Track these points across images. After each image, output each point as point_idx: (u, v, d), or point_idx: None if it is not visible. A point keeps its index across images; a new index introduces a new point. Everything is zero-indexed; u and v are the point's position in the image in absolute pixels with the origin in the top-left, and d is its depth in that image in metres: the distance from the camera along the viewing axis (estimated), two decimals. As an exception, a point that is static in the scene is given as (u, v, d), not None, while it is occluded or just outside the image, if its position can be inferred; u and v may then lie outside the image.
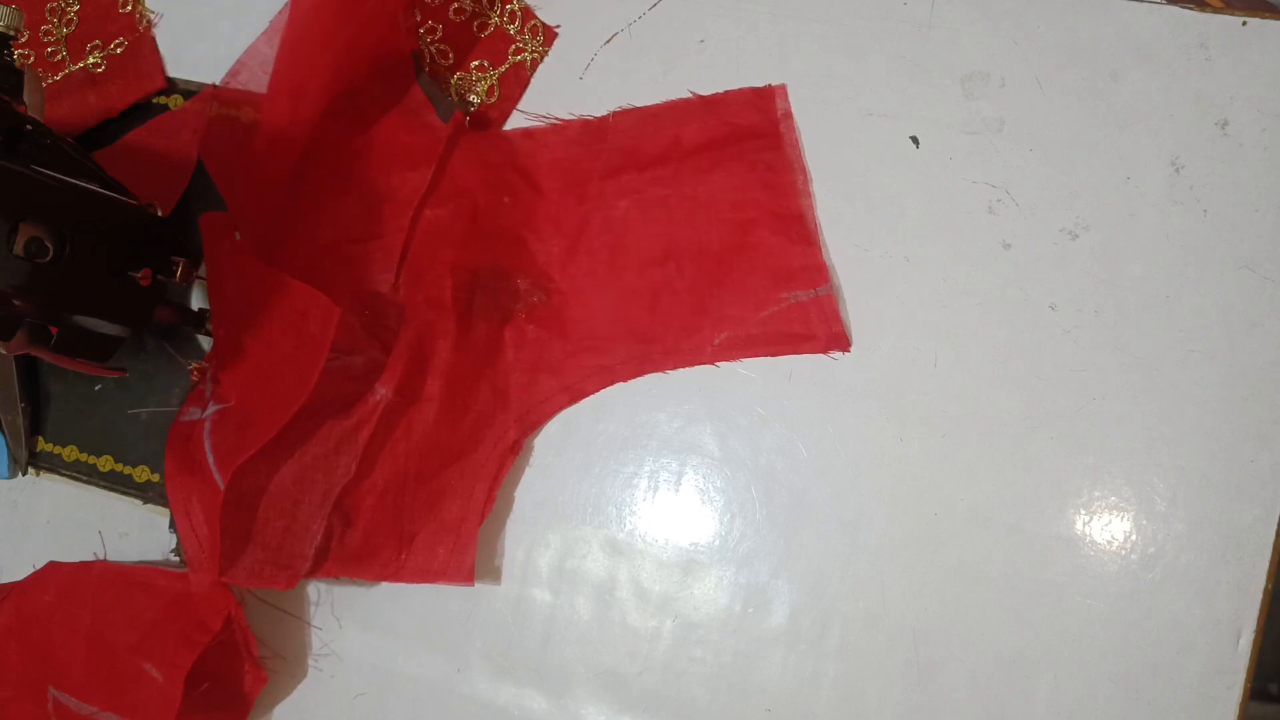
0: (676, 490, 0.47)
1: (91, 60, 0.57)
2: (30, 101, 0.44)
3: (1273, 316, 0.42)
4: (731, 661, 0.45)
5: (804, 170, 0.46)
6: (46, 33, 0.58)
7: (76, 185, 0.41)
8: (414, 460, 0.46)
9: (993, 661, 0.42)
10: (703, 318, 0.46)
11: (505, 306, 0.48)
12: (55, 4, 0.58)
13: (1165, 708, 0.41)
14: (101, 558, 0.52)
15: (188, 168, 0.53)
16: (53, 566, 0.50)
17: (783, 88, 0.47)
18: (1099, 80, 0.45)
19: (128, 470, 0.53)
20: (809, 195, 0.46)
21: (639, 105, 0.48)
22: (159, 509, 0.52)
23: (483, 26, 0.50)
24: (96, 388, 0.54)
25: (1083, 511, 0.43)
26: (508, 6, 0.50)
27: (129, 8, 0.57)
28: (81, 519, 0.54)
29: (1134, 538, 0.42)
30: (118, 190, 0.44)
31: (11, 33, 0.42)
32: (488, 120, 0.50)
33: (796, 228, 0.45)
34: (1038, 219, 0.45)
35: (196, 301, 0.53)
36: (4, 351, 0.46)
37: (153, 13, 0.57)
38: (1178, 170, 0.44)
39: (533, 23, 0.49)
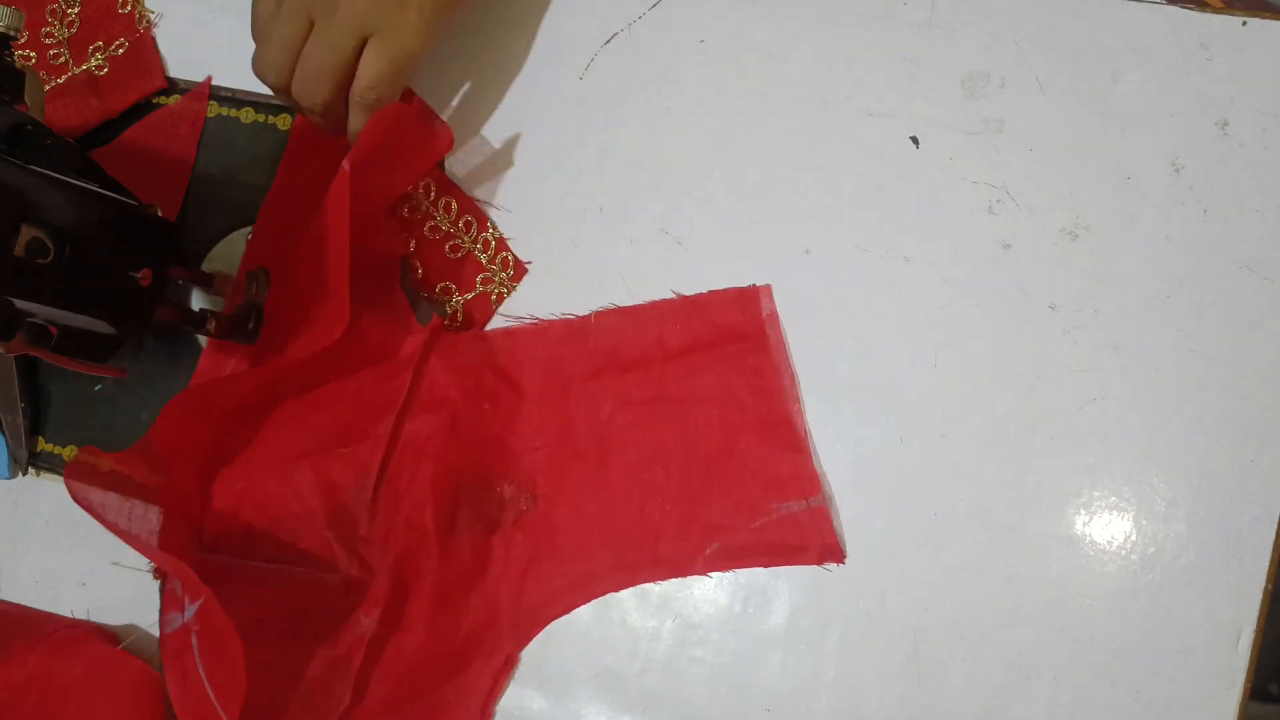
0: (676, 490, 0.47)
1: (94, 62, 0.57)
2: (30, 102, 0.44)
3: (1273, 316, 0.42)
4: (731, 661, 0.45)
5: (791, 374, 0.45)
6: (48, 34, 0.58)
7: (77, 185, 0.41)
8: (406, 683, 0.45)
9: (993, 661, 0.42)
10: (693, 525, 0.45)
11: (491, 516, 0.47)
12: (56, 5, 0.58)
13: (1165, 708, 0.41)
14: (108, 560, 0.53)
15: (186, 166, 0.54)
16: (90, 633, 0.49)
17: (767, 288, 0.46)
18: (1099, 80, 0.45)
19: (128, 470, 0.53)
20: (797, 400, 0.45)
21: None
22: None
23: (455, 249, 0.50)
24: (96, 388, 0.54)
25: (1083, 511, 0.43)
26: (483, 234, 0.49)
27: (129, 8, 0.57)
28: (81, 519, 0.54)
29: (1134, 538, 0.42)
30: (118, 190, 0.44)
31: (12, 33, 0.42)
32: (471, 320, 0.49)
33: (785, 434, 0.45)
34: (1038, 219, 0.45)
35: (197, 302, 0.53)
36: (4, 351, 0.46)
37: (152, 12, 0.57)
38: (1178, 170, 0.44)
39: (505, 254, 0.49)
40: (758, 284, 0.46)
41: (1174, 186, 0.43)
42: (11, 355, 0.53)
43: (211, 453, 0.47)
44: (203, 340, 0.52)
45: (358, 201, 0.43)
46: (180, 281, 0.49)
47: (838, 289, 0.46)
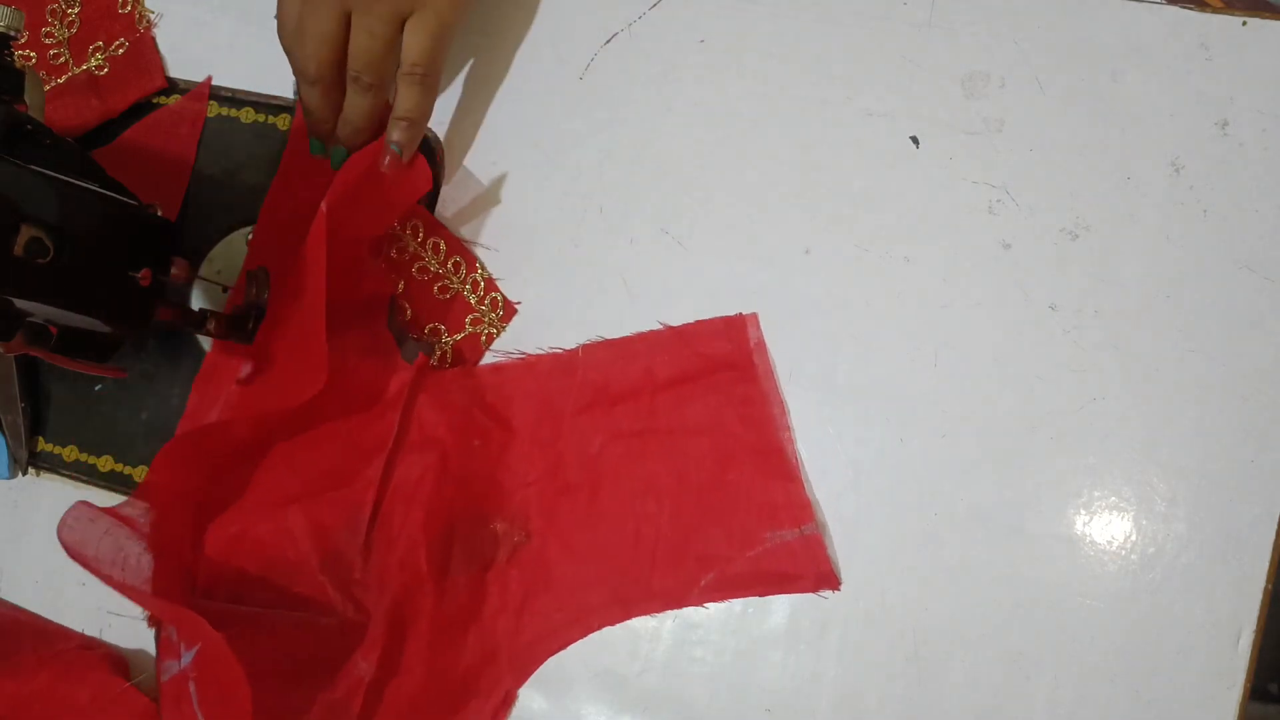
0: (676, 490, 0.47)
1: (94, 62, 0.57)
2: (30, 102, 0.44)
3: (1273, 316, 0.42)
4: (731, 661, 0.45)
5: (780, 403, 0.45)
6: (48, 34, 0.58)
7: (77, 185, 0.41)
8: None
9: (993, 661, 0.42)
10: (686, 555, 0.45)
11: (485, 553, 0.46)
12: (56, 5, 0.58)
13: (1165, 708, 0.41)
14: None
15: (186, 165, 0.54)
16: (102, 659, 0.48)
17: (754, 316, 0.46)
18: (1099, 80, 0.45)
19: (128, 470, 0.53)
20: (788, 429, 0.45)
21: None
22: (159, 509, 0.52)
23: (444, 290, 0.49)
24: (96, 388, 0.54)
25: (1083, 511, 0.43)
26: (472, 275, 0.49)
27: (129, 8, 0.57)
28: (82, 519, 0.54)
29: (1134, 538, 0.42)
30: (118, 190, 0.44)
31: (12, 33, 0.42)
32: (460, 361, 0.49)
33: (776, 463, 0.45)
34: (1038, 219, 0.45)
35: (197, 302, 0.53)
36: (4, 351, 0.46)
37: (152, 12, 0.57)
38: (1178, 170, 0.44)
39: (494, 295, 0.49)
40: (744, 312, 0.46)
41: (1174, 186, 0.43)
42: (11, 355, 0.53)
43: (203, 499, 0.47)
44: (205, 343, 0.52)
45: (337, 243, 0.44)
46: (182, 279, 0.49)
47: (838, 289, 0.46)
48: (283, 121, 0.53)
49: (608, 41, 0.51)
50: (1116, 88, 0.45)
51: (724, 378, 0.46)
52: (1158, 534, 0.42)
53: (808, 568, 0.44)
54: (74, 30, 0.58)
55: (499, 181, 0.51)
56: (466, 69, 0.52)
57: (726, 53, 0.49)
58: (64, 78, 0.57)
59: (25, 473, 0.55)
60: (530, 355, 0.48)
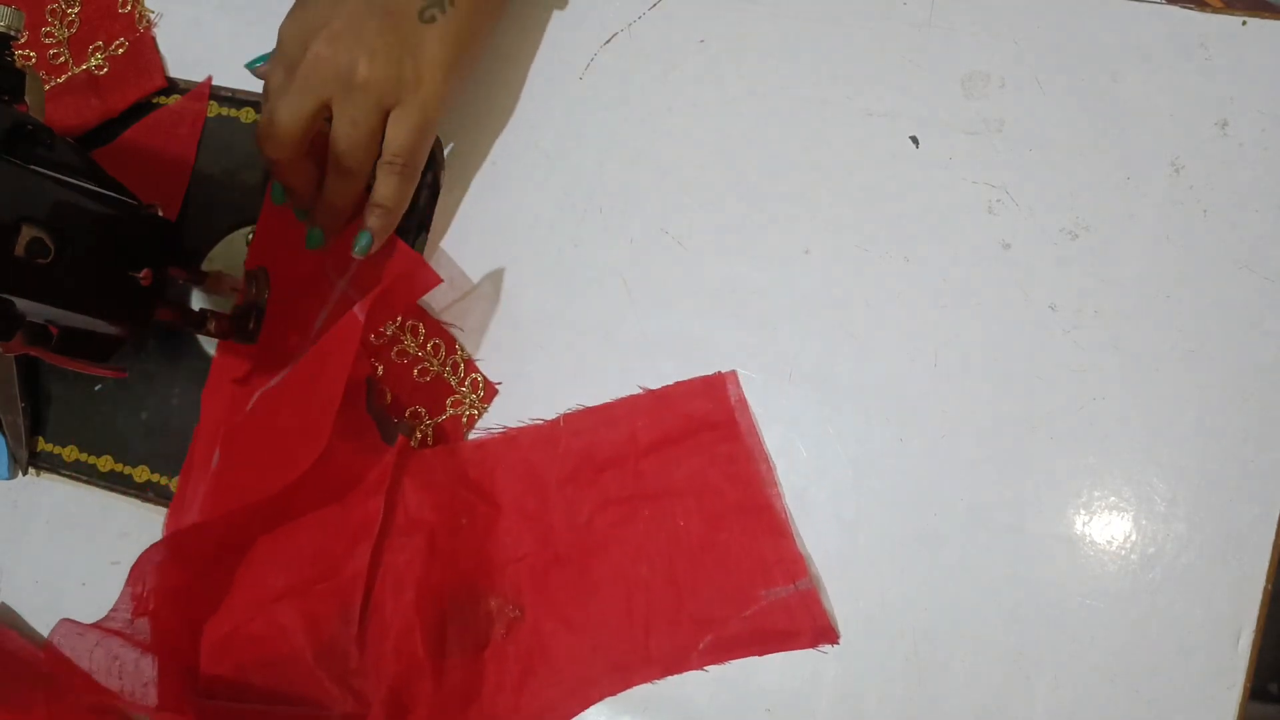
0: (676, 490, 0.47)
1: (94, 62, 0.57)
2: (30, 102, 0.44)
3: (1273, 316, 0.42)
4: (732, 661, 0.45)
5: (765, 458, 0.45)
6: (48, 34, 0.58)
7: (77, 185, 0.41)
8: None
9: (993, 661, 0.42)
10: (683, 619, 0.45)
11: (481, 632, 0.46)
12: (55, 5, 0.58)
13: (1165, 708, 0.41)
14: (108, 560, 0.53)
15: (186, 166, 0.54)
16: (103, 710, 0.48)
17: (733, 374, 0.46)
18: (1099, 80, 0.45)
19: (128, 470, 0.53)
20: (774, 484, 0.45)
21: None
22: (159, 508, 0.52)
23: (424, 373, 0.49)
24: (96, 388, 0.54)
25: (1083, 511, 0.43)
26: (451, 357, 0.49)
27: (129, 8, 0.57)
28: (81, 519, 0.54)
29: (1134, 538, 0.42)
30: (118, 190, 0.44)
31: (12, 33, 0.42)
32: (442, 439, 0.49)
33: (766, 520, 0.44)
34: (1038, 219, 0.45)
35: (197, 302, 0.53)
36: (4, 351, 0.46)
37: (153, 12, 0.57)
38: (1178, 170, 0.44)
39: (475, 376, 0.49)
40: (722, 371, 0.46)
41: (1174, 186, 0.43)
42: (11, 355, 0.53)
43: (194, 598, 0.47)
44: (205, 343, 0.52)
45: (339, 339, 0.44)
46: (180, 281, 0.49)
47: (838, 289, 0.46)
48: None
49: (608, 41, 0.51)
50: (1116, 88, 0.45)
51: (707, 437, 0.46)
52: (1158, 534, 0.42)
53: (805, 623, 0.43)
54: (74, 30, 0.58)
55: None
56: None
57: (726, 53, 0.49)
58: (64, 78, 0.57)
59: (25, 473, 0.55)
60: (511, 429, 0.48)
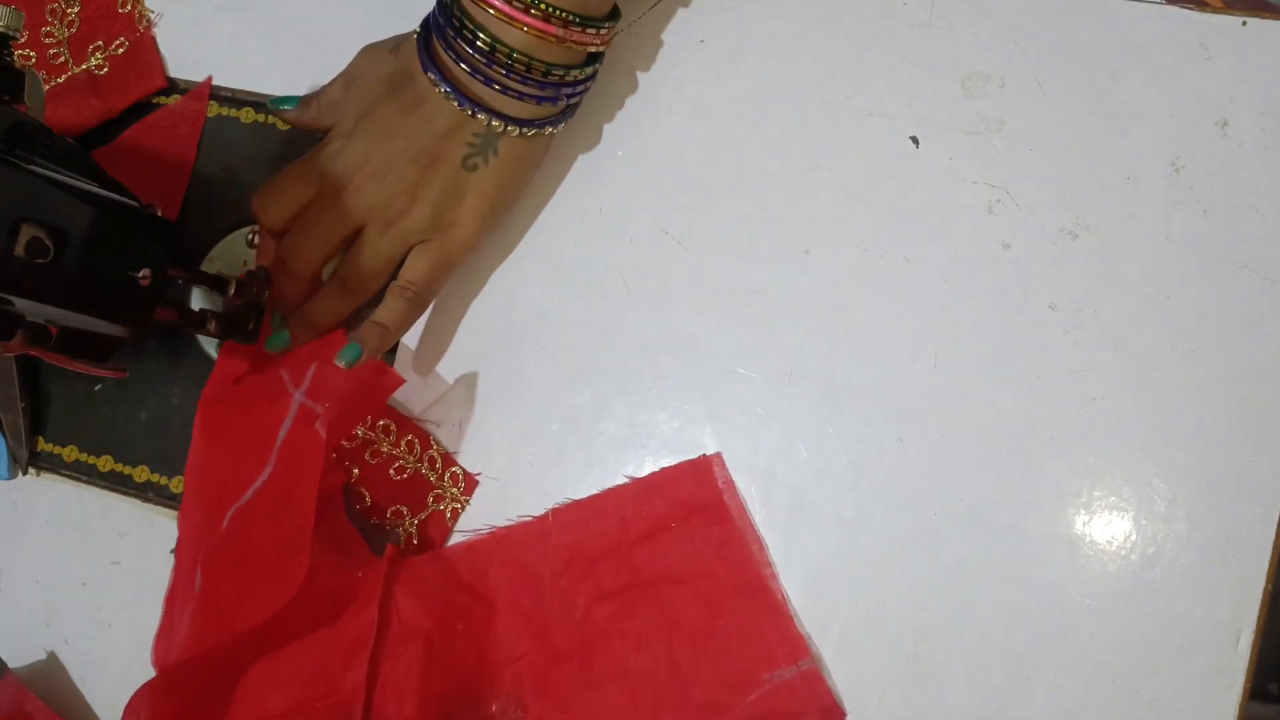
0: (676, 490, 0.47)
1: (94, 62, 0.57)
2: (31, 102, 0.44)
3: (1273, 316, 0.42)
4: None
5: (758, 539, 0.45)
6: (48, 34, 0.58)
7: (77, 185, 0.41)
8: None
9: (993, 661, 0.42)
10: (688, 707, 0.44)
11: None
12: (55, 5, 0.58)
13: (1165, 708, 0.41)
14: (108, 560, 0.53)
15: (186, 165, 0.54)
16: None
17: (718, 456, 0.46)
18: (1099, 80, 0.45)
19: (128, 470, 0.53)
20: (769, 564, 0.45)
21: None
22: (159, 508, 0.52)
23: (401, 470, 0.49)
24: (96, 388, 0.54)
25: (1083, 511, 0.43)
26: (428, 452, 0.49)
27: (129, 7, 0.57)
28: (81, 519, 0.54)
29: (1134, 538, 0.42)
30: (118, 190, 0.44)
31: (11, 33, 0.42)
32: (428, 541, 0.49)
33: (764, 600, 0.44)
34: (1038, 219, 0.45)
35: (197, 302, 0.53)
36: (4, 351, 0.46)
37: (153, 12, 0.57)
38: (1178, 170, 0.44)
39: (453, 469, 0.48)
40: (708, 452, 0.46)
41: (1174, 186, 0.43)
42: (11, 355, 0.53)
43: None
44: (205, 343, 0.52)
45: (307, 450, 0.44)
46: (180, 281, 0.49)
47: (838, 289, 0.46)
48: (282, 122, 0.53)
49: (608, 41, 0.50)
50: (1116, 88, 0.45)
51: (697, 521, 0.45)
52: (1158, 534, 0.42)
53: (810, 703, 0.43)
54: (74, 30, 0.58)
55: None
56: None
57: (726, 53, 0.49)
58: (64, 77, 0.57)
59: (25, 473, 0.55)
60: (500, 528, 0.48)
